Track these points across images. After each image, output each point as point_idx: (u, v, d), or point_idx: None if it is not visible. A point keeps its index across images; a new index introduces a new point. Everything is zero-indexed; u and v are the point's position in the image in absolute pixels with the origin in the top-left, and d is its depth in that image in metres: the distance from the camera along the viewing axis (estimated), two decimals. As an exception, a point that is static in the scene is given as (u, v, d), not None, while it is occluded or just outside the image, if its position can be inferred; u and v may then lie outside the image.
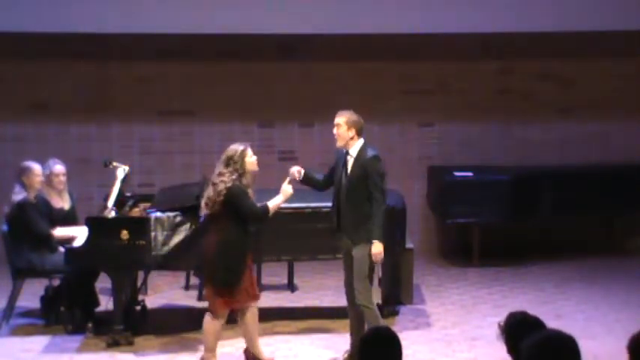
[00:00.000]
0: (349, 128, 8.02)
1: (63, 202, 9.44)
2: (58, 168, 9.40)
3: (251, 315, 8.14)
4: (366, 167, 7.98)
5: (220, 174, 7.91)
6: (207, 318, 8.02)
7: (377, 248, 7.92)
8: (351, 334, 8.27)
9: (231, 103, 12.13)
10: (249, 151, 7.99)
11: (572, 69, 12.26)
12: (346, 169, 8.06)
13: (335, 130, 8.08)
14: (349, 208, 8.02)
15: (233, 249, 7.89)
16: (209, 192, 7.95)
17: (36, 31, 11.58)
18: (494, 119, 12.32)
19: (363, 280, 7.99)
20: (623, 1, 11.70)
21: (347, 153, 8.07)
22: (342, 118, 8.05)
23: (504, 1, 11.71)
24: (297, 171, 8.23)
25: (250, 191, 7.98)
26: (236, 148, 7.98)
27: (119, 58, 12.07)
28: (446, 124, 12.31)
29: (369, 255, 7.94)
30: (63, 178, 9.41)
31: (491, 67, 12.26)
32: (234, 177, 7.86)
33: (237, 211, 7.87)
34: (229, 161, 7.92)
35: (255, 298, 8.17)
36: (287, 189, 8.06)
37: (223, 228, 7.91)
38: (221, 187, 7.86)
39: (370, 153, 8.04)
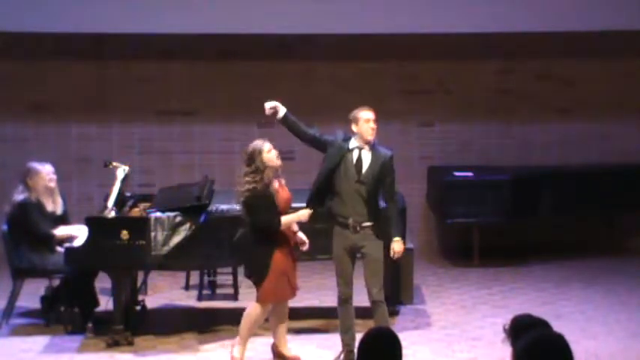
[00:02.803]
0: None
1: (55, 206, 9.37)
2: (49, 168, 9.40)
3: (280, 310, 8.22)
4: (386, 166, 7.98)
5: (244, 174, 7.93)
6: (252, 304, 8.09)
7: (400, 246, 7.97)
8: (344, 333, 8.22)
9: (231, 103, 12.12)
10: (267, 146, 7.97)
11: (572, 69, 12.26)
12: (360, 165, 7.99)
13: (373, 125, 8.00)
14: (365, 205, 7.95)
15: (255, 246, 7.96)
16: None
17: (36, 31, 11.58)
18: (494, 119, 12.31)
19: (380, 278, 8.01)
20: (623, 1, 11.70)
21: (360, 148, 7.98)
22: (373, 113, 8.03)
23: (504, 1, 11.71)
24: (270, 107, 8.18)
25: (276, 184, 7.96)
26: (254, 145, 7.99)
27: (119, 58, 12.07)
28: (446, 124, 12.31)
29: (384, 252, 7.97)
30: (54, 176, 9.40)
31: (491, 67, 12.26)
32: (257, 178, 7.85)
33: (250, 218, 7.95)
34: (249, 160, 7.94)
35: (291, 295, 8.22)
36: (304, 212, 8.04)
37: (248, 224, 8.03)
38: (240, 189, 7.92)
39: (388, 152, 8.04)
